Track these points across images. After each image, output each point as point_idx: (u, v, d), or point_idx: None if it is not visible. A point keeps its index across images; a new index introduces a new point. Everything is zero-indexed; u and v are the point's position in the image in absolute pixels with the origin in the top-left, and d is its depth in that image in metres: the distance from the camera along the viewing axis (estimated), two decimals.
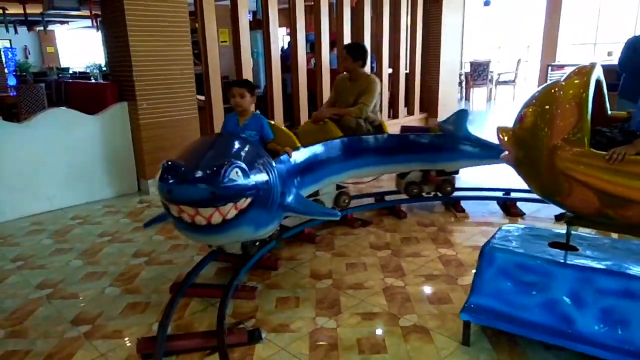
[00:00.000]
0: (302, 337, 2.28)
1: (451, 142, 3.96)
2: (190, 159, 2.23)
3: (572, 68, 2.27)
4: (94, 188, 4.59)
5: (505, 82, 12.14)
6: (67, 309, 2.61)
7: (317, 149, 3.37)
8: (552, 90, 2.15)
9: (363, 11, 7.03)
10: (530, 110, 2.14)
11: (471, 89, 11.82)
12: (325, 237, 3.51)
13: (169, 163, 2.13)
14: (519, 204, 3.95)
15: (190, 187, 2.09)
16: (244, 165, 2.22)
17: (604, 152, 1.96)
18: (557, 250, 2.14)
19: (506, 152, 2.27)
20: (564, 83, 2.14)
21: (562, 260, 2.03)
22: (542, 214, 3.80)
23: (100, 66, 15.28)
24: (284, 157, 2.87)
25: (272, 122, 3.11)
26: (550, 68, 10.54)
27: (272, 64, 6.03)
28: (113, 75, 4.94)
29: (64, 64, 17.73)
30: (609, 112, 2.39)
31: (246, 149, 2.49)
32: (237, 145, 2.50)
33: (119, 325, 2.43)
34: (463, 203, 4.07)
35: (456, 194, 4.20)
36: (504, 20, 15.79)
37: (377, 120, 3.89)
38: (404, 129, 4.37)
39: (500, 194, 4.15)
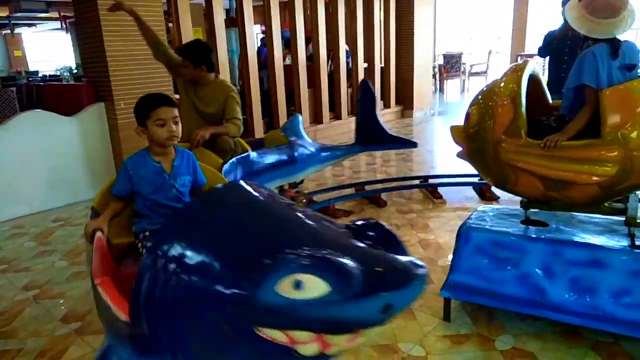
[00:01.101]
0: None
1: (300, 150, 3.66)
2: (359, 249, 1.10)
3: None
4: (74, 190, 4.56)
5: (477, 73, 12.41)
6: (56, 308, 2.63)
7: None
8: (493, 89, 2.31)
9: (337, 7, 7.12)
10: (476, 108, 2.30)
11: (445, 81, 12.06)
12: None
13: (345, 260, 1.00)
14: (493, 188, 4.11)
15: (420, 286, 1.08)
16: None
17: (539, 141, 2.11)
18: (528, 226, 2.27)
19: (460, 149, 2.44)
20: (501, 81, 2.30)
21: (534, 236, 2.16)
22: (517, 197, 3.95)
23: (70, 68, 14.98)
24: None
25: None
26: (519, 58, 10.83)
27: (249, 62, 6.07)
28: (87, 76, 4.90)
29: (32, 67, 17.31)
30: (550, 101, 2.55)
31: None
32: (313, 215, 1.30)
33: None
34: (440, 189, 4.20)
35: (433, 181, 4.34)
36: (475, 12, 16.11)
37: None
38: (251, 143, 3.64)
39: (475, 179, 4.30)
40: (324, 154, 3.96)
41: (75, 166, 4.55)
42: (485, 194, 4.06)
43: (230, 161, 2.92)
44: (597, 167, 2.02)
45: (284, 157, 3.54)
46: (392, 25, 8.34)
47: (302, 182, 3.97)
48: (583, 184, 2.03)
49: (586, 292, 2.01)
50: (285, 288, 0.97)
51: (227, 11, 8.95)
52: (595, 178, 2.04)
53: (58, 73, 14.95)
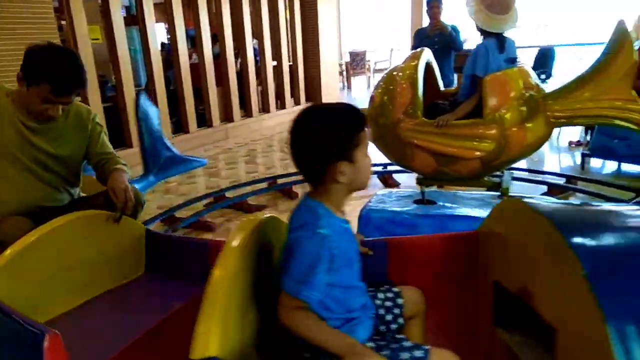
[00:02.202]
0: None
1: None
2: None
3: None
4: None
5: (381, 70, 13.06)
6: None
7: None
8: (393, 74, 2.58)
9: (242, 5, 7.15)
10: (378, 91, 2.57)
11: (351, 78, 12.55)
12: (223, 224, 3.64)
13: None
14: (394, 175, 4.44)
15: None
16: None
17: (433, 120, 2.42)
18: (420, 205, 2.54)
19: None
20: (401, 66, 2.59)
21: (423, 213, 2.42)
22: (414, 183, 4.32)
23: None
24: None
25: None
26: None
27: (152, 61, 5.91)
28: None
29: None
30: (442, 88, 2.90)
31: None
32: None
33: None
34: None
35: None
36: (376, 10, 16.86)
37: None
38: None
39: (379, 168, 4.62)
40: None
41: None
42: (387, 182, 4.38)
43: None
44: (478, 143, 2.34)
45: None
46: (297, 23, 8.54)
47: None
48: (468, 158, 2.35)
49: None
50: None
51: (127, 9, 8.63)
52: (477, 153, 2.36)
53: None
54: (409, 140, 2.45)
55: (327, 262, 1.07)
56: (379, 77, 10.23)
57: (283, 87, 8.35)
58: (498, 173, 2.70)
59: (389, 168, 4.51)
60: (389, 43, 14.56)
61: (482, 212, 2.38)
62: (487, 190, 2.74)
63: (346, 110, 1.13)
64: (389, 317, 1.27)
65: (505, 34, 2.53)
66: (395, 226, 2.44)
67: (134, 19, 6.69)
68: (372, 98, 2.62)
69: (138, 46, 7.47)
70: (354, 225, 2.93)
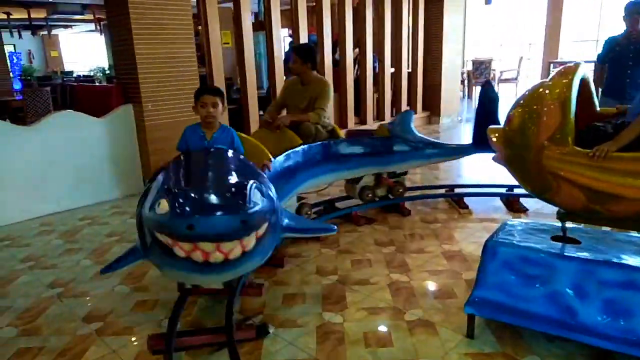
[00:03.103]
0: (309, 332, 2.32)
1: (401, 143, 3.89)
2: (202, 185, 1.95)
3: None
4: (101, 189, 4.65)
5: (507, 80, 12.15)
6: (79, 307, 2.67)
7: (286, 159, 3.16)
8: (538, 91, 2.20)
9: (365, 11, 7.07)
10: (518, 111, 2.20)
11: (473, 87, 11.85)
12: (331, 235, 3.55)
13: (183, 192, 1.73)
14: (522, 200, 3.98)
15: (221, 218, 1.69)
16: (261, 186, 1.92)
17: (587, 150, 2.00)
18: (559, 243, 2.18)
19: (497, 152, 2.33)
20: (549, 83, 2.19)
21: (565, 253, 2.06)
22: (546, 210, 3.82)
23: (104, 69, 15.39)
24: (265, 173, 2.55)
25: (241, 135, 2.79)
26: (552, 65, 10.55)
27: (274, 66, 6.08)
28: (118, 77, 5.01)
29: (67, 67, 17.86)
30: (598, 108, 2.43)
31: (246, 166, 2.34)
32: (235, 162, 2.34)
33: (129, 323, 2.48)
34: (466, 199, 4.10)
35: (459, 190, 4.23)
36: (505, 18, 15.79)
37: (329, 125, 3.76)
38: (350, 133, 4.35)
39: (503, 190, 4.19)
40: (430, 150, 4.03)
41: (103, 166, 4.64)
42: (513, 206, 3.94)
43: (344, 141, 3.66)
44: None
45: (379, 148, 3.82)
46: (420, 30, 8.24)
47: (405, 173, 4.08)
48: (632, 198, 1.93)
49: (620, 315, 1.91)
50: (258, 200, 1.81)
51: (256, 15, 9.05)
52: None
53: (92, 73, 15.38)
54: (554, 171, 2.06)
55: (182, 136, 2.64)
56: (504, 87, 9.56)
57: (400, 94, 8.11)
58: None
59: (516, 191, 4.07)
60: (518, 52, 13.54)
61: None
62: None
63: (200, 86, 2.30)
64: None
65: None
66: (528, 265, 2.11)
67: (261, 24, 6.95)
68: (509, 117, 2.27)
69: (263, 50, 7.76)
70: (475, 252, 2.64)
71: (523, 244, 2.19)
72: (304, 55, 3.60)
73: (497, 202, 4.11)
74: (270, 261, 3.02)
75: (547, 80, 2.25)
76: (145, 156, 4.79)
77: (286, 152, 3.18)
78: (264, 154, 2.83)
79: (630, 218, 2.02)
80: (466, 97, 11.89)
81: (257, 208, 1.78)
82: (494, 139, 2.33)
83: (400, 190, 4.02)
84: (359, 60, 7.36)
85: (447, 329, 2.29)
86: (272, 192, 2.14)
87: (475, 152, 4.02)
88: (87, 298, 2.78)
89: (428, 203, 4.20)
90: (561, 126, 2.07)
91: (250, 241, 1.82)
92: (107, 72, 14.28)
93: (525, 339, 2.18)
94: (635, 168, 1.92)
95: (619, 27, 4.00)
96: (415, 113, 8.45)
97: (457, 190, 4.33)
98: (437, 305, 2.52)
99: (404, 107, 8.20)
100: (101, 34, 13.78)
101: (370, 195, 3.88)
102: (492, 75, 11.80)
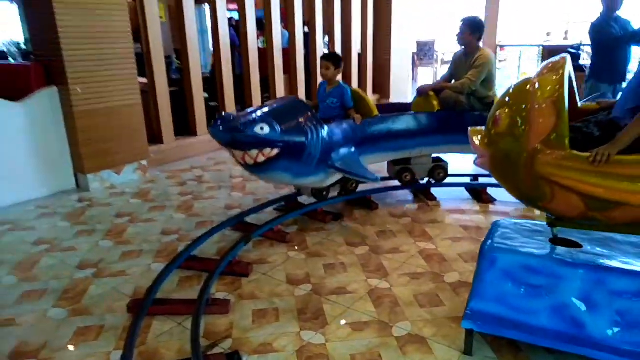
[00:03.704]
0: (288, 358, 2.02)
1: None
2: (239, 114, 2.84)
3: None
4: (23, 187, 4.00)
5: (449, 62, 12.26)
6: (1, 340, 2.18)
7: (391, 121, 3.56)
8: (526, 89, 1.96)
9: None
10: (506, 111, 1.95)
11: (417, 69, 11.84)
12: (297, 235, 3.24)
13: (223, 113, 2.76)
14: (489, 189, 3.88)
15: (220, 133, 2.70)
16: (272, 123, 2.76)
17: (586, 154, 1.81)
18: (562, 248, 2.01)
19: (480, 156, 2.10)
20: (537, 80, 1.97)
21: (572, 261, 1.89)
22: (514, 198, 3.74)
23: (18, 44, 13.75)
24: (347, 122, 3.31)
25: (360, 92, 3.65)
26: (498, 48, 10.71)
27: (220, 43, 5.57)
28: (37, 55, 4.31)
29: None
30: (579, 104, 2.26)
31: (293, 111, 3.00)
32: (289, 107, 3.07)
33: (69, 358, 2.05)
34: (432, 190, 3.94)
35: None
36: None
37: (489, 97, 3.73)
38: (384, 107, 4.04)
39: (468, 179, 4.07)
40: None
41: (24, 159, 3.99)
42: (481, 196, 3.83)
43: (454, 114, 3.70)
44: None
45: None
46: (369, 10, 7.98)
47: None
48: (635, 205, 1.76)
49: (633, 327, 1.78)
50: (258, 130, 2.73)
51: None
52: None
53: (4, 49, 13.72)
54: (549, 178, 1.85)
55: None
56: (446, 68, 9.56)
57: (350, 76, 7.85)
58: None
59: (481, 180, 3.96)
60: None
61: None
62: None
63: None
64: None
65: None
66: (531, 274, 1.93)
67: None
68: (495, 119, 2.01)
69: (203, 27, 7.17)
70: (450, 250, 2.50)
71: (523, 249, 2.00)
72: (475, 28, 3.76)
73: (463, 192, 3.98)
74: (232, 270, 2.71)
75: (533, 77, 2.02)
76: (76, 147, 4.18)
77: (396, 116, 3.60)
78: (369, 110, 3.52)
79: (630, 224, 1.87)
80: (410, 78, 11.85)
81: (250, 133, 2.70)
82: (477, 142, 2.10)
83: (441, 175, 3.92)
84: (309, 41, 6.99)
85: (442, 345, 2.08)
86: (311, 134, 2.92)
87: None
88: (13, 328, 2.29)
89: (394, 195, 3.99)
90: (556, 127, 1.85)
91: (256, 155, 2.78)
92: (23, 47, 12.77)
93: (525, 352, 2.02)
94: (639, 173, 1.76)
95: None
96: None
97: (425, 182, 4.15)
98: (425, 315, 2.30)
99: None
100: (12, 2, 12.25)
101: (408, 177, 3.83)
102: (435, 57, 11.85)
